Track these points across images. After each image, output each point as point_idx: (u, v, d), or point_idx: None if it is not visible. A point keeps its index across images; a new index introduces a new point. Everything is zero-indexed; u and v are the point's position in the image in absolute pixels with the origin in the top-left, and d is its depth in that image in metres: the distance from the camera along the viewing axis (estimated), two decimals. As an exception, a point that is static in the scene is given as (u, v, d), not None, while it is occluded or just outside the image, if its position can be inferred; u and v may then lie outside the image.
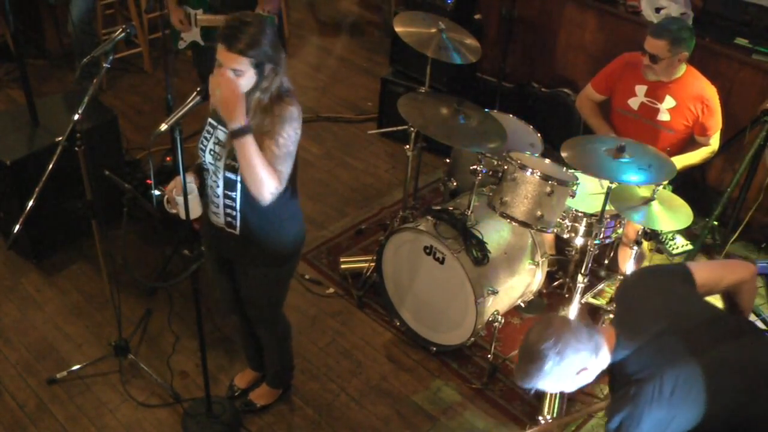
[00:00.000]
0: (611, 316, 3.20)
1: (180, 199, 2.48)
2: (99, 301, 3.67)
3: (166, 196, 2.55)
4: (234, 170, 2.45)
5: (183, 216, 2.49)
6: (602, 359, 2.07)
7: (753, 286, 2.32)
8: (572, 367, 2.03)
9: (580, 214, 3.29)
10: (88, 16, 4.95)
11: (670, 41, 3.43)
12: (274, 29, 2.37)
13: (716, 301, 2.37)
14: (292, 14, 6.48)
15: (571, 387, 2.09)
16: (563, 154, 3.10)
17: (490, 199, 3.33)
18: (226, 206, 2.56)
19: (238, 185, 2.49)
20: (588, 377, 2.08)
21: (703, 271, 2.26)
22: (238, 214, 2.56)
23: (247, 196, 2.51)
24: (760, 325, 3.78)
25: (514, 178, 3.16)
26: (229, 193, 2.52)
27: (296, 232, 2.72)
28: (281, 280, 2.82)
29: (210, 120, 2.55)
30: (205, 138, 2.54)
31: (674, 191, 3.58)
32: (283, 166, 2.41)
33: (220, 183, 2.52)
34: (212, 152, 2.51)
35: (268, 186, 2.37)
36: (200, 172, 2.62)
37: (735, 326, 2.19)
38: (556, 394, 3.22)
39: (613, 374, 2.12)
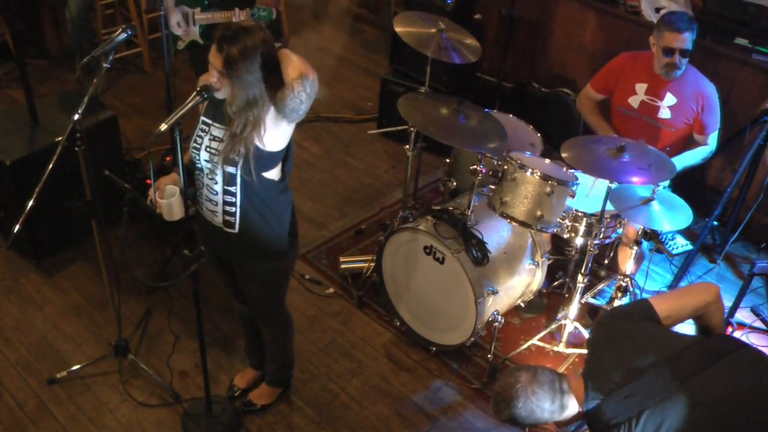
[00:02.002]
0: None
1: (163, 202, 2.52)
2: (99, 301, 3.67)
3: (149, 198, 2.58)
4: (233, 163, 2.46)
5: (168, 218, 2.54)
6: (570, 412, 2.11)
7: (719, 307, 2.32)
8: (539, 419, 2.10)
9: (580, 214, 3.30)
10: (86, 13, 4.94)
11: (692, 30, 3.47)
12: (272, 50, 2.37)
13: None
14: (292, 13, 6.47)
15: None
16: (563, 155, 3.10)
17: (490, 199, 3.33)
18: (225, 203, 2.56)
19: (238, 179, 2.49)
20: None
21: (664, 303, 2.27)
22: (238, 211, 2.56)
23: (247, 190, 2.52)
24: (760, 324, 3.79)
25: (514, 178, 3.16)
26: (229, 188, 2.52)
27: (292, 225, 2.74)
28: (281, 274, 2.82)
29: (203, 119, 2.55)
30: (199, 137, 2.54)
31: (673, 191, 3.59)
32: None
33: (219, 180, 2.52)
34: (209, 149, 2.51)
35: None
36: (191, 173, 2.62)
37: (703, 355, 2.14)
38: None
39: (590, 423, 2.13)
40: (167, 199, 2.54)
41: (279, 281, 2.84)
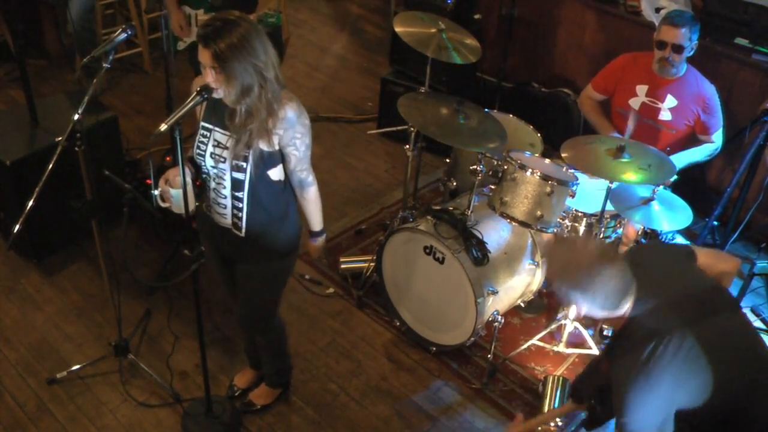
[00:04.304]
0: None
1: (174, 191, 2.47)
2: (99, 301, 3.67)
3: (159, 189, 2.53)
4: (241, 170, 2.46)
5: (177, 210, 2.49)
6: (621, 311, 2.15)
7: (731, 280, 2.48)
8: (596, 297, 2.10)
9: (580, 214, 3.29)
10: (87, 15, 4.95)
11: (689, 28, 3.46)
12: (260, 36, 2.35)
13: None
14: (293, 14, 6.48)
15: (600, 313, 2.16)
16: (563, 155, 3.10)
17: (489, 199, 3.33)
18: (233, 207, 2.56)
19: (246, 185, 2.49)
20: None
21: (702, 254, 2.42)
22: (245, 215, 2.56)
23: (254, 195, 2.52)
24: (760, 325, 3.79)
25: (514, 178, 3.16)
26: (237, 193, 2.52)
27: (297, 226, 2.75)
28: (282, 274, 2.81)
29: (203, 124, 2.53)
30: (202, 143, 2.52)
31: (673, 191, 3.59)
32: (306, 159, 2.59)
33: (227, 184, 2.51)
34: (213, 155, 2.50)
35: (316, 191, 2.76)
36: (193, 164, 2.61)
37: (732, 300, 2.30)
38: (555, 395, 3.22)
39: (624, 329, 2.17)
40: (177, 189, 2.49)
41: (279, 281, 2.84)
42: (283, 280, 2.86)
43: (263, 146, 2.44)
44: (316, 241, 2.89)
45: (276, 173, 2.55)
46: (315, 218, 2.81)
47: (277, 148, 2.48)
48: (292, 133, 2.46)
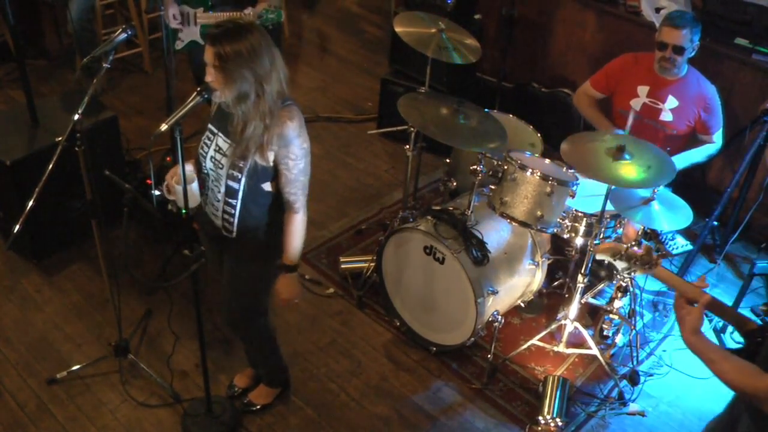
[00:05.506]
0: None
1: (179, 188, 2.48)
2: (99, 301, 3.67)
3: (165, 183, 2.55)
4: (236, 179, 2.47)
5: (181, 205, 2.49)
6: None
7: None
8: None
9: (580, 214, 3.29)
10: (87, 15, 4.95)
11: (690, 29, 3.46)
12: (269, 47, 2.37)
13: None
14: (292, 14, 6.47)
15: None
16: (562, 148, 3.09)
17: (490, 199, 3.33)
18: (225, 212, 2.57)
19: (240, 194, 2.51)
20: None
21: None
22: (236, 220, 2.57)
23: (246, 204, 2.53)
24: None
25: (514, 178, 3.16)
26: (230, 200, 2.53)
27: None
28: (266, 277, 2.78)
29: (210, 126, 2.55)
30: (206, 144, 2.55)
31: (673, 191, 3.59)
32: (298, 184, 2.53)
33: (222, 189, 2.53)
34: (213, 159, 2.52)
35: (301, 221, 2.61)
36: (199, 165, 2.62)
37: None
38: (555, 395, 3.22)
39: None
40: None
41: (261, 284, 2.80)
42: (266, 284, 2.81)
43: (258, 159, 2.45)
44: (286, 277, 2.67)
45: (270, 186, 2.55)
46: (290, 247, 2.61)
47: (271, 163, 2.48)
48: (286, 152, 2.45)
